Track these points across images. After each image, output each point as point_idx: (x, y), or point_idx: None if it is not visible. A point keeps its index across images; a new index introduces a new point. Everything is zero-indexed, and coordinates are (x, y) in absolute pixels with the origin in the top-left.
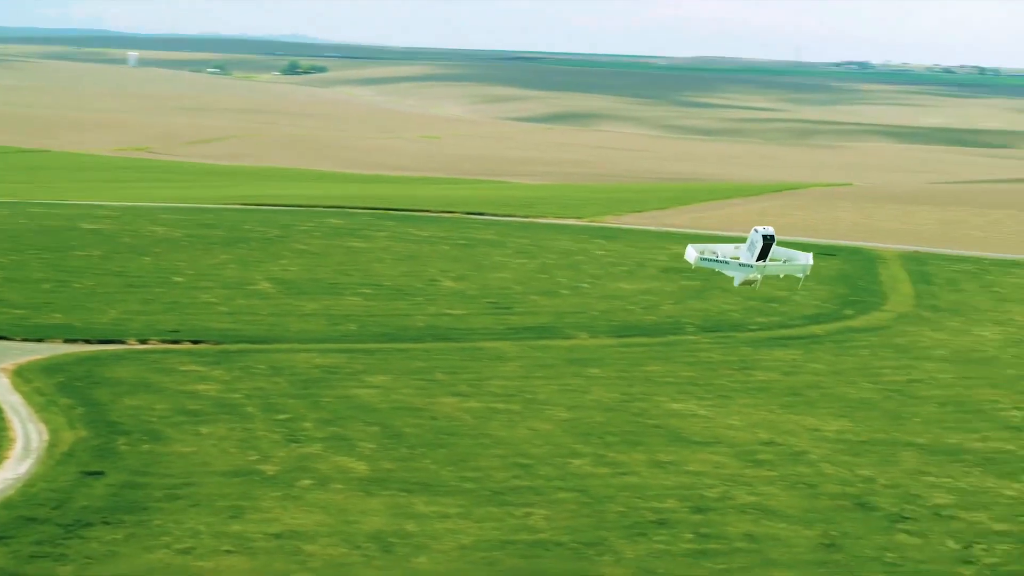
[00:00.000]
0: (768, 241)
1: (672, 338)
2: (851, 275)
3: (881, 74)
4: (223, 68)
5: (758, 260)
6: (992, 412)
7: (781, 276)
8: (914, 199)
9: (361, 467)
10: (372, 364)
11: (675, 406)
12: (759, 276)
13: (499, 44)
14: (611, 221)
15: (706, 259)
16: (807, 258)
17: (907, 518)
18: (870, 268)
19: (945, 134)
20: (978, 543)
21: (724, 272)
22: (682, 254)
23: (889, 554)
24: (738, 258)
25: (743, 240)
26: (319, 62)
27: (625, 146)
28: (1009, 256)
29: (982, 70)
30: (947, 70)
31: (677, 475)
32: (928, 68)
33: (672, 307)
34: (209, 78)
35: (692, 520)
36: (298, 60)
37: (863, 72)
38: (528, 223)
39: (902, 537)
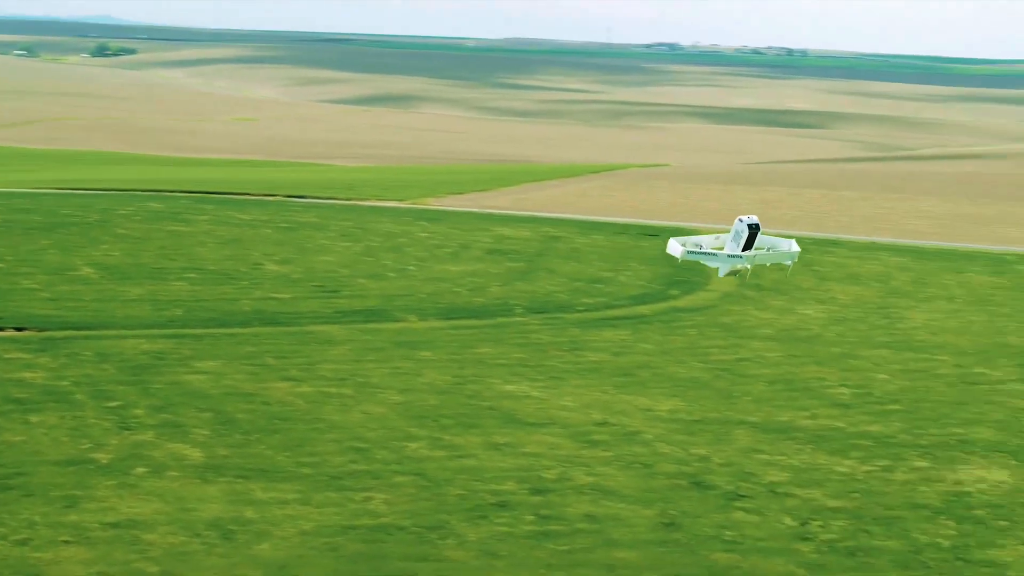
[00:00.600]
0: (753, 231)
1: (501, 320)
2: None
3: (691, 55)
4: (30, 50)
5: (744, 250)
6: (820, 390)
7: (768, 264)
8: (731, 179)
9: (196, 454)
10: (201, 349)
11: (508, 388)
12: (749, 266)
13: (310, 26)
14: (433, 203)
15: (692, 252)
16: (789, 244)
17: (743, 496)
18: None
19: (757, 115)
20: (814, 520)
21: (709, 264)
22: (514, 236)
23: (728, 532)
24: (722, 248)
25: (720, 231)
26: (128, 44)
27: (443, 128)
28: (826, 235)
29: (790, 51)
30: (756, 51)
31: (514, 457)
32: (737, 49)
33: (499, 289)
34: (17, 60)
35: (532, 502)
36: (107, 42)
37: (673, 53)
38: (350, 205)
39: (739, 515)
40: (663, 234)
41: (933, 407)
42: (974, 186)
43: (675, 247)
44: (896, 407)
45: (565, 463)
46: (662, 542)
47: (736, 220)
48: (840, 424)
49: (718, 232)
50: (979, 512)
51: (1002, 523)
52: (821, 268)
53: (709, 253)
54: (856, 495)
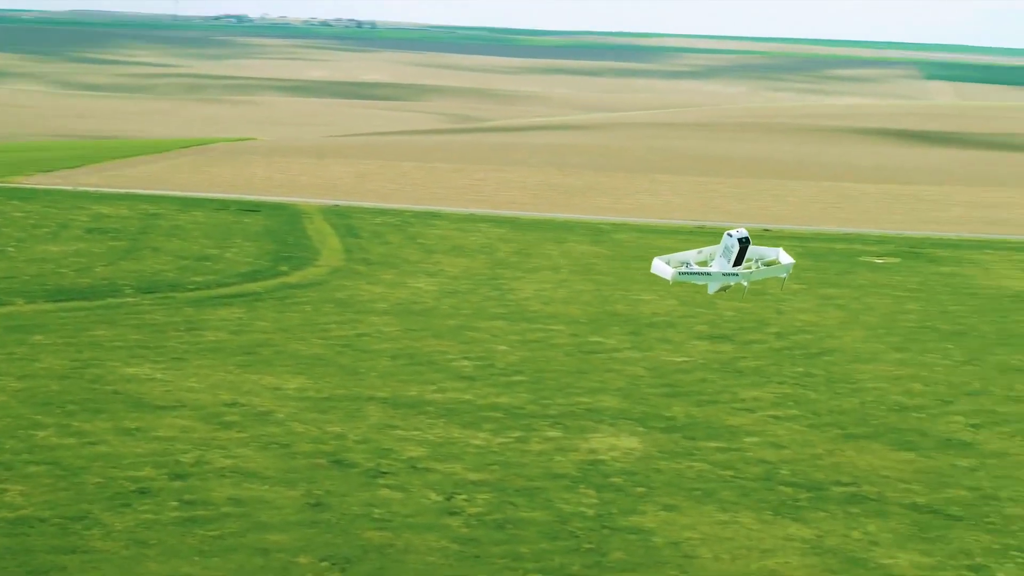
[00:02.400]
0: (744, 245)
1: (112, 301)
2: (278, 231)
3: (261, 28)
4: None
5: (735, 264)
6: (443, 363)
7: (761, 279)
8: (322, 152)
9: None
10: None
11: (130, 371)
12: (746, 283)
13: None
14: (22, 182)
15: (684, 273)
16: (778, 253)
17: (385, 473)
18: (296, 223)
19: (334, 87)
20: (459, 494)
21: (700, 282)
22: (112, 214)
23: (376, 510)
24: (706, 262)
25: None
26: None
27: (21, 103)
28: (426, 207)
29: (359, 23)
30: (325, 23)
31: (147, 442)
32: (306, 21)
33: (105, 269)
34: None
35: (174, 487)
36: None
37: (243, 26)
38: None
39: (385, 492)
40: (263, 209)
41: (556, 377)
42: (559, 156)
43: (662, 268)
44: (521, 378)
45: (201, 446)
46: (312, 523)
47: (725, 235)
48: (468, 397)
49: (700, 247)
50: (616, 480)
51: (640, 489)
52: (426, 241)
53: (702, 272)
54: (495, 467)
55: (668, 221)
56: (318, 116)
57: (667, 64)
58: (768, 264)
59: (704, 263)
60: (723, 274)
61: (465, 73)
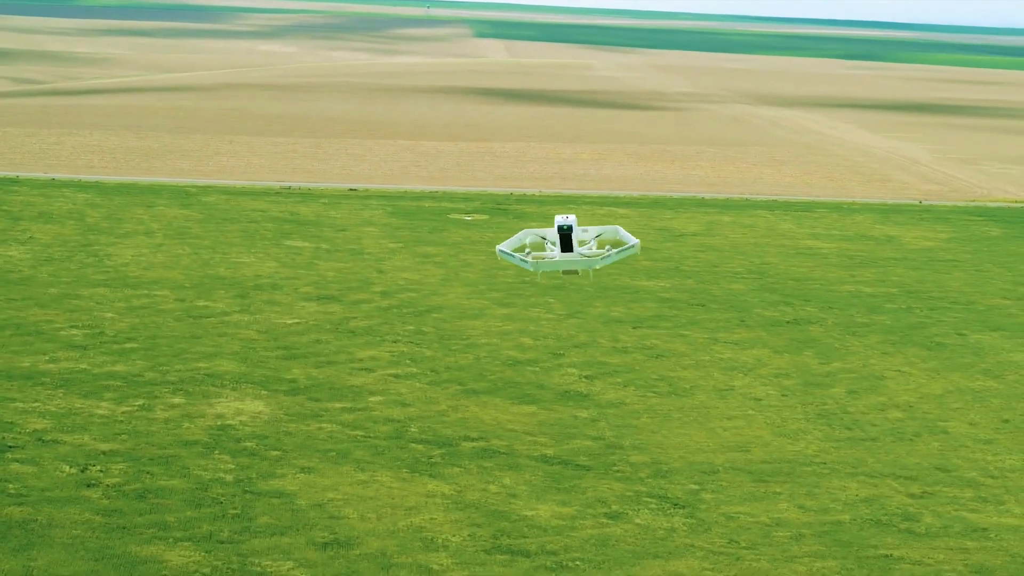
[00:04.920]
0: (565, 232)
1: None
2: None
3: None
4: None
5: (564, 252)
6: (52, 333)
7: (599, 266)
8: None
9: None
10: None
11: None
12: (533, 268)
13: None
14: None
15: (503, 252)
16: (635, 244)
17: (12, 447)
18: None
19: None
20: (92, 465)
21: (521, 266)
22: None
23: (11, 485)
24: (543, 246)
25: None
26: None
27: None
28: (4, 174)
29: None
30: None
31: None
32: None
33: None
34: None
35: None
36: None
37: None
38: None
39: (16, 467)
40: None
41: (169, 343)
42: (133, 119)
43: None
44: (133, 345)
45: None
46: None
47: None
48: (84, 366)
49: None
50: (249, 444)
51: (274, 453)
52: (11, 208)
53: (516, 256)
54: (125, 436)
55: (254, 183)
56: None
57: (223, 24)
58: (618, 250)
59: (540, 246)
60: (522, 259)
61: (18, 35)
